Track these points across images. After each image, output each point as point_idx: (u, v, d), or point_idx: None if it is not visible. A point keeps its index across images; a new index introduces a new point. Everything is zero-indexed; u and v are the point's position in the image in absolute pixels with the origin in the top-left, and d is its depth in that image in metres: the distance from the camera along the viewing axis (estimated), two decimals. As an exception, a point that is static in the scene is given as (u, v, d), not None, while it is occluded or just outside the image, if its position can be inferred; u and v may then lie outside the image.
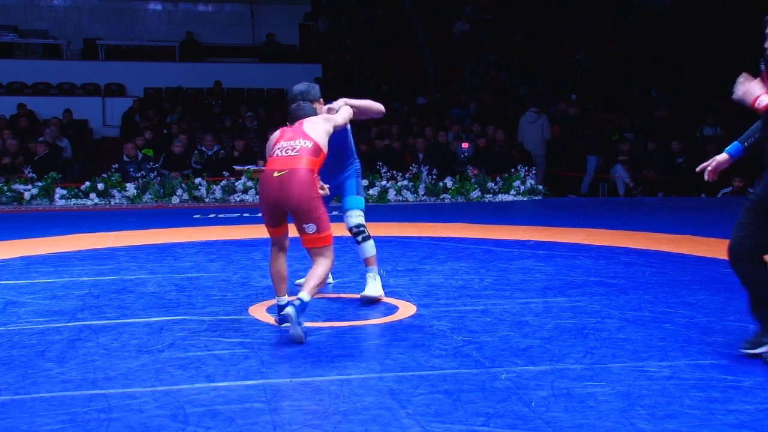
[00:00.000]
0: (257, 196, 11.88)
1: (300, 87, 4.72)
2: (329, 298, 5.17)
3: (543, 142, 13.89)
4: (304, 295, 4.03)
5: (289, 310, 3.93)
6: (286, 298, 4.34)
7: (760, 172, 3.58)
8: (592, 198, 13.21)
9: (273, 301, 4.84)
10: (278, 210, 4.24)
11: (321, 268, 4.17)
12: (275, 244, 4.38)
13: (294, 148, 4.23)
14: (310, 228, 4.17)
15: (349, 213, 5.04)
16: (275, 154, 4.26)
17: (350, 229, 5.01)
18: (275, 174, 4.17)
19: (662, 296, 5.05)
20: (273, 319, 4.47)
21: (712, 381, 3.36)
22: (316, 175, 4.25)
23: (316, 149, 4.27)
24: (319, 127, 4.38)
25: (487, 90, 16.31)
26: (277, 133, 4.44)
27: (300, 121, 4.45)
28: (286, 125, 4.53)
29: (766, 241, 3.55)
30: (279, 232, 4.34)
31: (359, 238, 4.96)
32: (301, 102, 4.56)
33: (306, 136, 4.29)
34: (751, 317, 3.69)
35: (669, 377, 3.41)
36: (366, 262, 5.03)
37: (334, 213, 4.86)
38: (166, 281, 5.69)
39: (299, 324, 3.95)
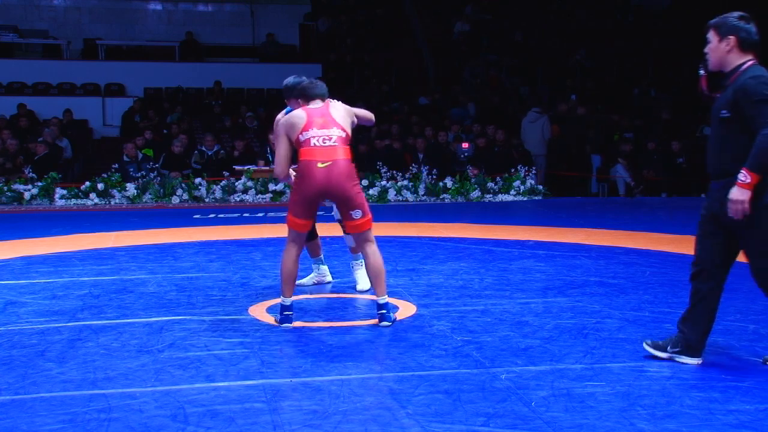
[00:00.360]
0: (257, 196, 11.93)
1: (293, 79, 4.70)
2: (329, 298, 5.18)
3: (543, 142, 13.88)
4: (383, 298, 4.34)
5: (389, 323, 4.32)
6: (291, 299, 4.36)
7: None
8: (592, 198, 13.21)
9: (273, 301, 4.84)
10: (320, 200, 4.37)
11: (375, 257, 4.38)
12: (296, 242, 4.39)
13: (331, 138, 4.30)
14: (357, 214, 4.33)
15: None
16: (312, 144, 4.26)
17: (339, 221, 5.09)
18: (319, 165, 4.24)
19: (662, 296, 5.05)
20: (273, 319, 4.47)
21: (712, 381, 3.36)
22: (353, 163, 4.41)
23: (348, 138, 4.40)
24: (343, 115, 4.44)
25: (487, 90, 16.30)
26: (303, 116, 4.33)
27: (324, 103, 4.45)
28: (299, 103, 4.48)
29: (724, 257, 3.49)
30: (309, 226, 4.42)
31: None
32: (315, 80, 4.57)
33: (338, 125, 4.36)
34: (678, 326, 3.63)
35: (669, 377, 3.41)
36: (352, 249, 5.29)
37: (320, 213, 4.86)
38: (166, 281, 5.69)
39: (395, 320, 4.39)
